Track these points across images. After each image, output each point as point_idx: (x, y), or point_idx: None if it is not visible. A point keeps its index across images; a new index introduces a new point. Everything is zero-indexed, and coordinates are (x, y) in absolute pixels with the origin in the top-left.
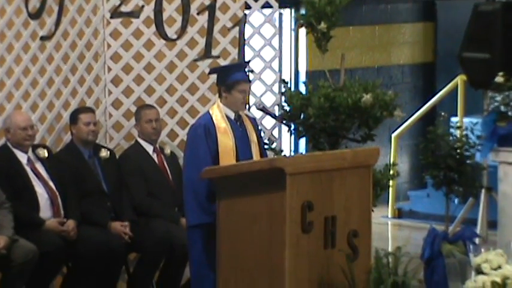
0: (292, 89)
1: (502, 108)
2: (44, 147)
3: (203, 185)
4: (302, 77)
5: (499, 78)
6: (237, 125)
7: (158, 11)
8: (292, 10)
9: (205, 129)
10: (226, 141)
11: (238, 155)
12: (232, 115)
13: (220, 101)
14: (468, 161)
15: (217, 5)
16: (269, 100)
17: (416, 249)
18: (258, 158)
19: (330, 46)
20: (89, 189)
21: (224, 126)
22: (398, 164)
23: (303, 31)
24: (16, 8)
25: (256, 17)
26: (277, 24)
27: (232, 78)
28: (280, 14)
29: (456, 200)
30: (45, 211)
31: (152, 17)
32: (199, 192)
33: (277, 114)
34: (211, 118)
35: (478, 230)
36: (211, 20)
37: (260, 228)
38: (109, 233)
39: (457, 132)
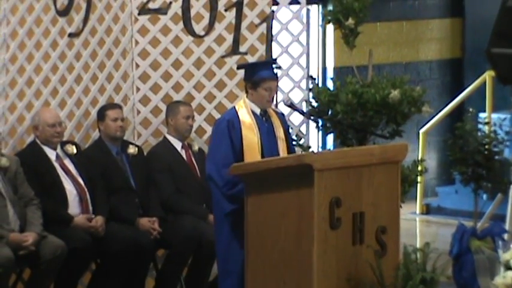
0: (320, 85)
1: None
2: (73, 143)
3: (221, 177)
4: (330, 73)
5: None
6: (263, 120)
7: (186, 7)
8: (320, 6)
9: (228, 124)
10: (251, 136)
11: (264, 151)
12: (258, 111)
13: (247, 97)
14: (496, 157)
15: (245, 1)
16: (297, 96)
17: (444, 246)
18: (285, 154)
19: (357, 42)
20: (117, 186)
21: (249, 122)
22: (426, 160)
23: (330, 27)
24: (44, 5)
25: (283, 13)
26: (304, 20)
27: (258, 76)
28: (308, 10)
29: (484, 196)
30: (73, 207)
31: (180, 13)
32: (218, 184)
33: (304, 111)
34: (237, 113)
35: (506, 226)
36: (239, 17)
37: (288, 224)
38: (137, 230)
39: (485, 128)
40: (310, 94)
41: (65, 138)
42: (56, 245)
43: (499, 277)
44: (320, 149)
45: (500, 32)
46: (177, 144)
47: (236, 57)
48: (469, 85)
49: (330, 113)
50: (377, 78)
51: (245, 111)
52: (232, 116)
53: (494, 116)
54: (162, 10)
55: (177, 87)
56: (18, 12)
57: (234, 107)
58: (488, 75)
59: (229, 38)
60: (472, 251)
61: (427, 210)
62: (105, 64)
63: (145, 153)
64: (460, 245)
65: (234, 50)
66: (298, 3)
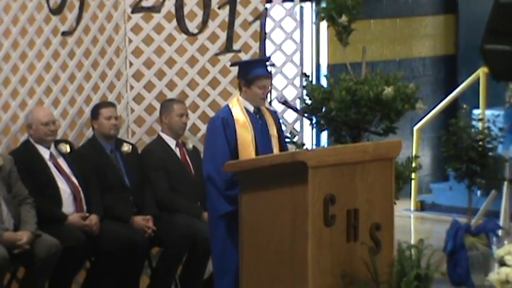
0: (314, 82)
1: None
2: (66, 142)
3: (221, 176)
4: (323, 71)
5: None
6: (257, 118)
7: (179, 5)
8: (313, 3)
9: (223, 122)
10: (245, 134)
11: (258, 149)
12: (251, 108)
13: (240, 95)
14: (490, 153)
15: None
16: (290, 94)
17: (439, 242)
18: (278, 152)
19: (351, 39)
20: (111, 184)
21: (243, 120)
22: (421, 157)
23: (324, 24)
24: (37, 4)
25: (277, 10)
26: (298, 17)
27: (252, 73)
28: (301, 8)
29: (478, 193)
30: (67, 206)
31: (173, 11)
32: (218, 183)
33: (298, 108)
34: (230, 111)
35: (500, 222)
36: (232, 14)
37: (283, 222)
38: (132, 228)
39: (479, 125)
40: (304, 91)
41: (58, 137)
42: (50, 244)
43: (493, 273)
44: (314, 146)
45: (493, 28)
46: (171, 142)
47: (230, 55)
48: (463, 82)
49: (323, 110)
50: (370, 75)
51: (239, 109)
52: (226, 114)
53: (488, 112)
54: (156, 8)
55: (171, 85)
56: (11, 11)
57: (228, 105)
58: (482, 72)
59: (223, 36)
60: (466, 248)
61: (422, 207)
62: (99, 62)
63: (139, 152)
64: (454, 241)
65: (228, 47)
66: (292, 0)
